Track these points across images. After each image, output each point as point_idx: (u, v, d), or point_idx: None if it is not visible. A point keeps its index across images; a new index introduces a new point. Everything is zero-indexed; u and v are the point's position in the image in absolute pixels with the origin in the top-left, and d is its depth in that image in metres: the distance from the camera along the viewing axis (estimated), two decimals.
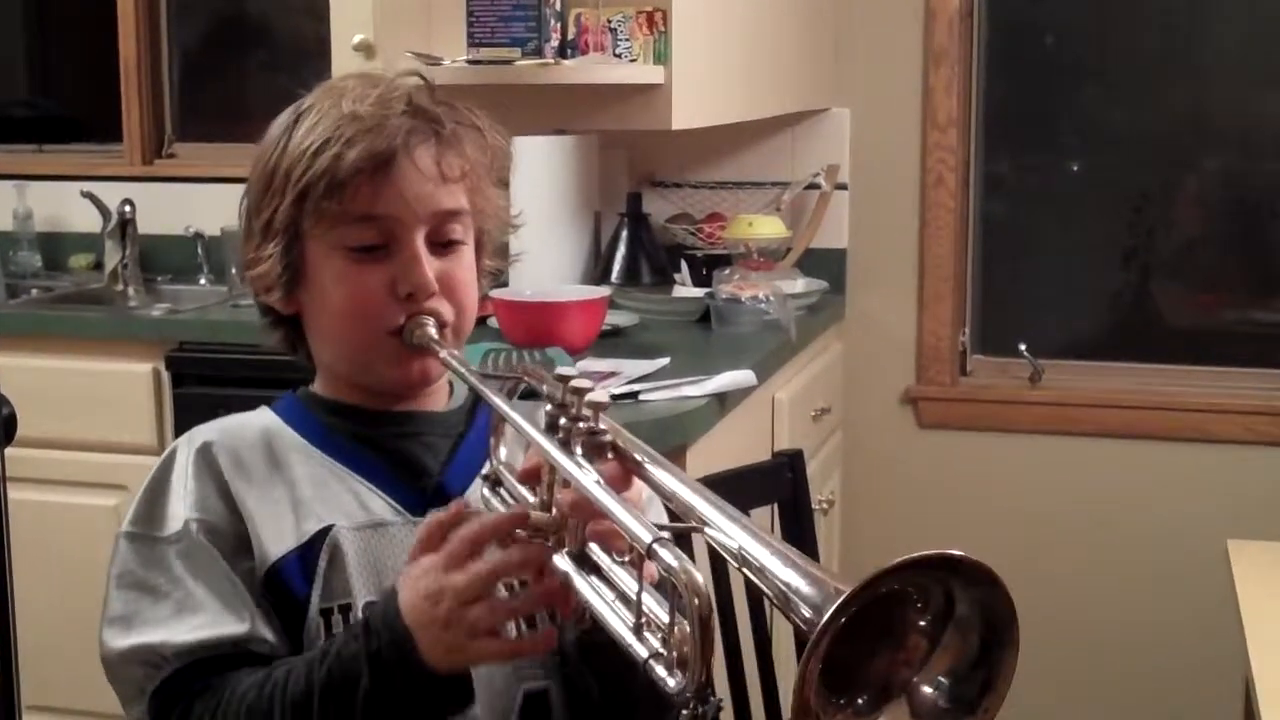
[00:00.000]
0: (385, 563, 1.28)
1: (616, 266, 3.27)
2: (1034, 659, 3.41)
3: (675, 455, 2.32)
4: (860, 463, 3.55)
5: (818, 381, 3.22)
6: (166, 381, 3.14)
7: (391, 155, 1.29)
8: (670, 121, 2.43)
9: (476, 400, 1.42)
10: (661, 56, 2.42)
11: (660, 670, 1.05)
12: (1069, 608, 3.43)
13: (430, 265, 1.32)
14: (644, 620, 1.08)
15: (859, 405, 3.54)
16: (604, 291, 2.80)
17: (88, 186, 3.77)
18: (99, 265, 3.77)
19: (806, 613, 0.95)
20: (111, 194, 3.75)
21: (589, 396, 1.16)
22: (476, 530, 1.15)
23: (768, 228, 3.19)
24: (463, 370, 1.32)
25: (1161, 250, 3.61)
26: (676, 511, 1.12)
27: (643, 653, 1.07)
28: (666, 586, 1.06)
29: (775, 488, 2.21)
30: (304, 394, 1.42)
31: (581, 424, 1.15)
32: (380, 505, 1.33)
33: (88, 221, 3.81)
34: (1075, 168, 3.60)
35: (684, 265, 3.29)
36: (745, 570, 1.02)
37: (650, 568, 1.13)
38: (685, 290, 3.23)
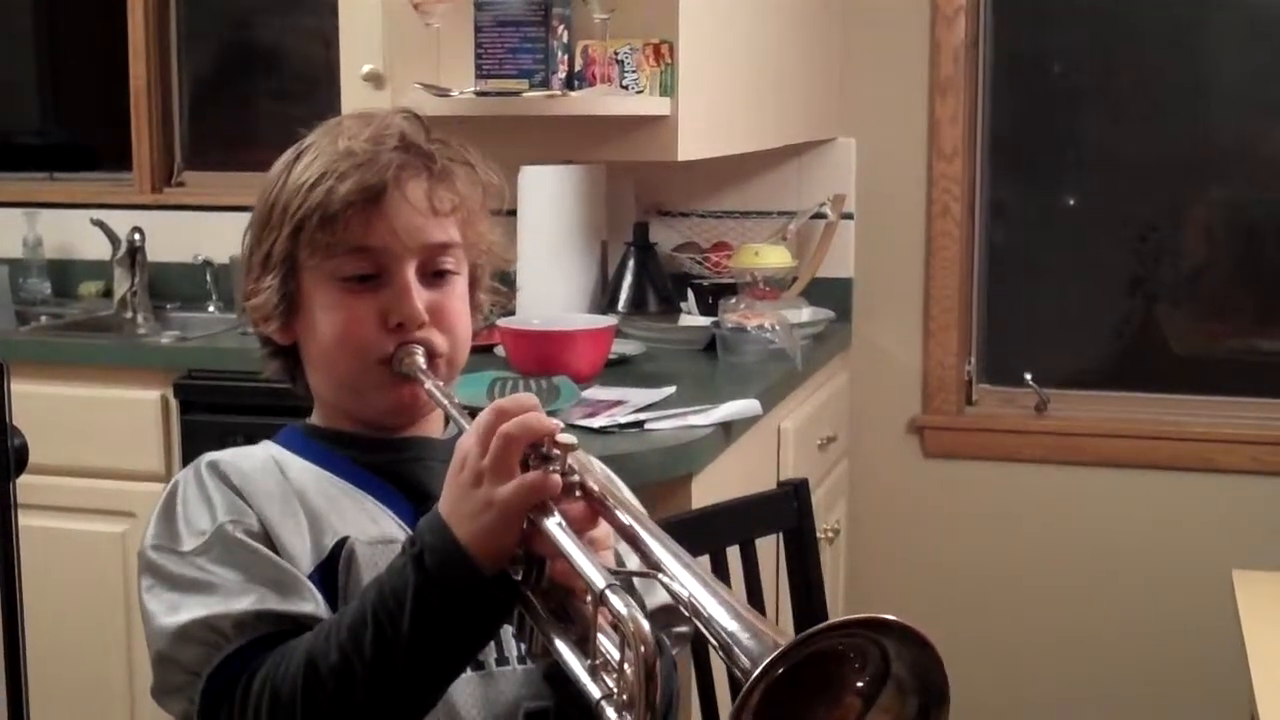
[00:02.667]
0: None
1: (623, 295, 3.28)
2: (1038, 686, 3.44)
3: (680, 484, 2.33)
4: (866, 492, 3.56)
5: (824, 410, 3.23)
6: (175, 409, 3.15)
7: (383, 189, 1.33)
8: (676, 153, 2.44)
9: None
10: (668, 88, 2.44)
11: (610, 712, 1.09)
12: (1074, 637, 3.44)
13: (421, 296, 1.35)
14: (599, 661, 1.13)
15: (865, 434, 3.55)
16: (611, 321, 2.81)
17: (98, 214, 3.80)
18: (108, 293, 3.80)
19: (745, 663, 1.00)
20: (121, 222, 3.78)
21: (559, 437, 1.19)
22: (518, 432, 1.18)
23: (774, 257, 3.20)
24: (444, 401, 1.35)
25: (1167, 279, 3.62)
26: (638, 555, 1.16)
27: (595, 693, 1.11)
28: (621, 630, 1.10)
29: (780, 517, 2.21)
30: (303, 426, 1.45)
31: (551, 464, 1.18)
32: (389, 523, 1.35)
33: (97, 249, 3.83)
34: (1081, 196, 3.61)
35: (690, 294, 3.31)
36: (695, 619, 1.07)
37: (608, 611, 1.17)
38: (691, 319, 3.24)
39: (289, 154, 1.40)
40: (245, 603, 1.25)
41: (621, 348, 2.88)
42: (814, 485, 2.30)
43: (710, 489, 2.39)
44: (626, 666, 1.08)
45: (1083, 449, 3.46)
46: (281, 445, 1.41)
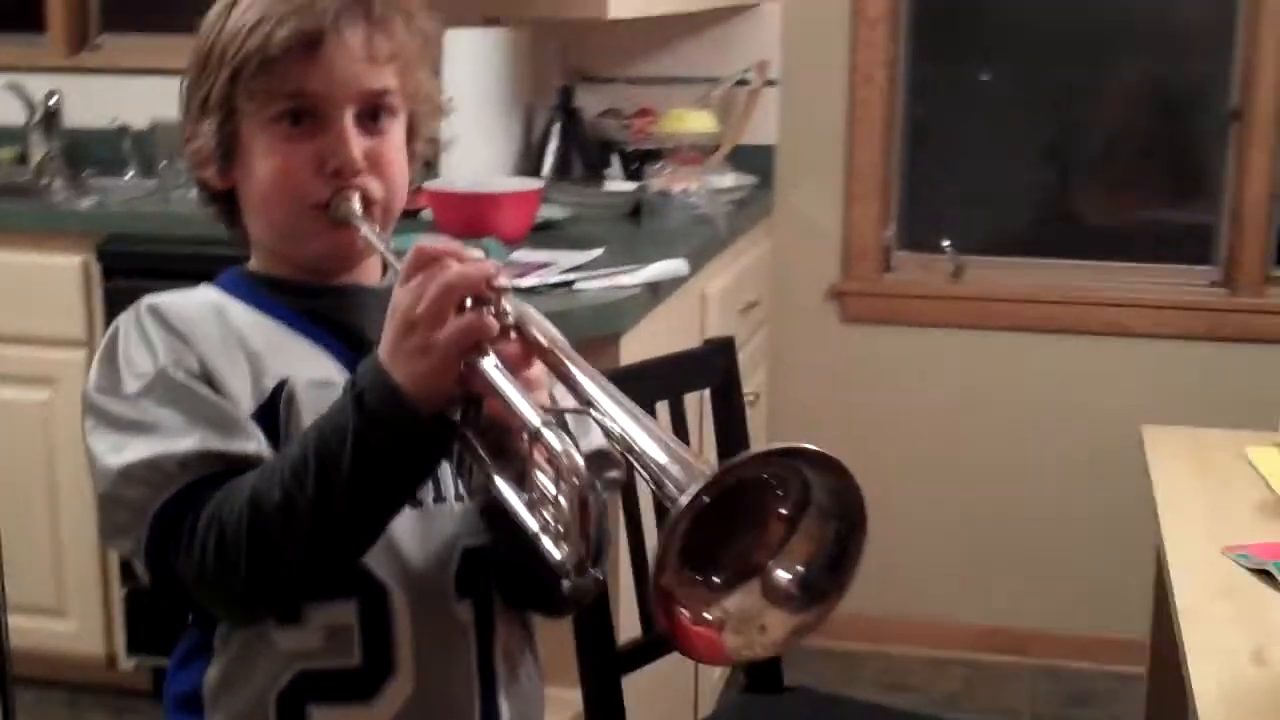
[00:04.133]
0: None
1: (548, 160, 3.29)
2: (956, 543, 3.55)
3: (609, 343, 2.37)
4: (786, 356, 3.61)
5: (746, 276, 3.27)
6: (97, 274, 3.12)
7: (320, 34, 1.33)
8: (607, 10, 2.44)
9: None
10: None
11: (547, 542, 1.15)
12: (990, 495, 3.55)
13: (358, 143, 1.36)
14: (536, 496, 1.17)
15: (785, 300, 3.60)
16: (537, 183, 2.83)
17: (11, 78, 3.72)
18: (23, 159, 3.73)
19: (673, 491, 1.06)
20: (36, 86, 3.71)
21: (496, 282, 1.22)
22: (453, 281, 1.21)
23: (699, 123, 3.22)
24: (379, 245, 1.37)
25: (1082, 150, 3.68)
26: (570, 393, 1.21)
27: (533, 525, 1.17)
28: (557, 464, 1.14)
29: (708, 374, 2.27)
30: (242, 271, 1.46)
31: (486, 306, 1.21)
32: (328, 366, 1.37)
33: (11, 114, 3.76)
34: (1000, 67, 3.65)
35: (614, 160, 3.32)
36: (626, 454, 1.12)
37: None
38: (616, 185, 3.26)
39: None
40: (189, 442, 1.27)
41: (547, 212, 2.90)
42: (738, 348, 2.34)
43: (637, 349, 2.43)
44: (561, 499, 1.12)
45: (997, 314, 3.53)
46: (221, 289, 1.42)
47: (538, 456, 1.16)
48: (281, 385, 1.34)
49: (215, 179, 1.41)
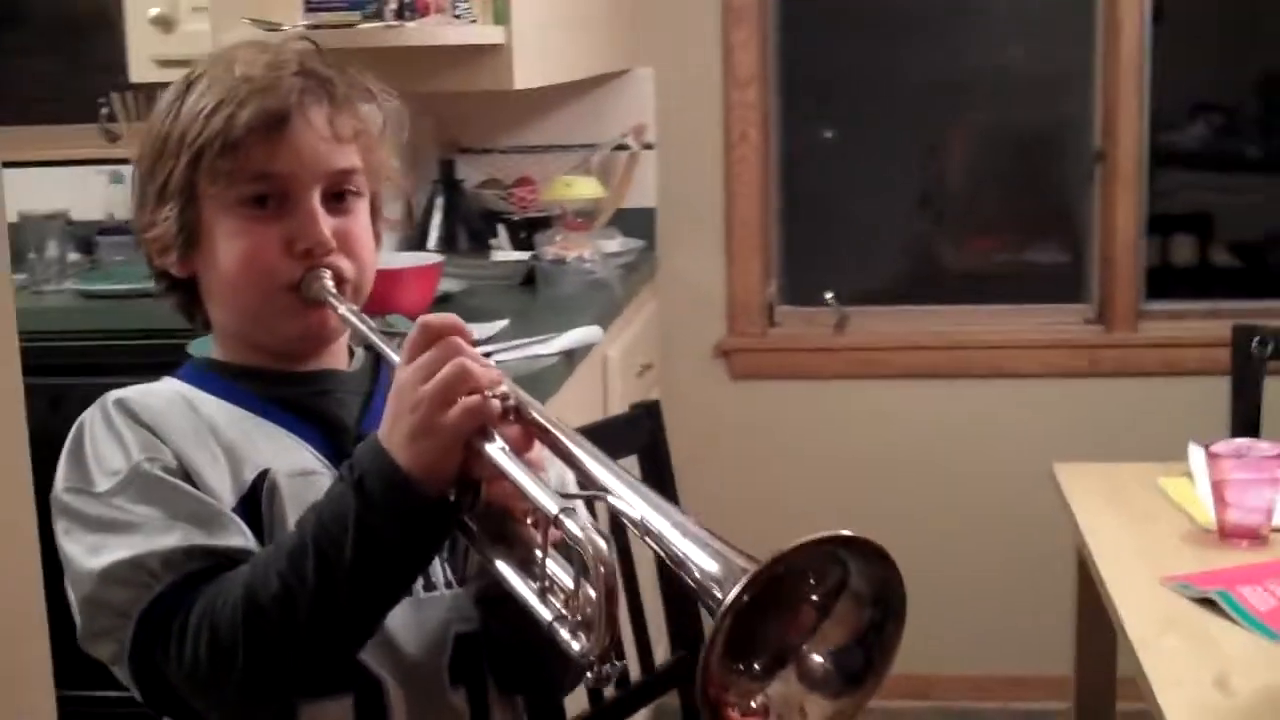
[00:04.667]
0: None
1: (433, 234, 3.26)
2: None
3: None
4: (678, 416, 3.57)
5: (639, 339, 3.27)
6: None
7: (285, 114, 1.31)
8: (513, 81, 2.44)
9: (378, 359, 1.44)
10: (501, 16, 2.43)
11: (564, 633, 1.11)
12: (887, 543, 3.56)
13: (326, 222, 1.34)
14: (548, 584, 1.13)
15: (674, 360, 3.61)
16: (438, 258, 2.80)
17: None
18: None
19: (714, 591, 1.01)
20: None
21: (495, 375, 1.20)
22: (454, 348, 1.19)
23: (586, 188, 3.23)
24: (360, 325, 1.34)
25: (954, 197, 3.78)
26: (577, 475, 1.18)
27: (547, 615, 1.13)
28: (567, 550, 1.11)
29: (635, 438, 2.26)
30: (205, 362, 1.42)
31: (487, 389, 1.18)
32: (306, 455, 1.34)
33: None
34: (869, 120, 3.72)
35: (501, 230, 3.30)
36: (647, 538, 1.07)
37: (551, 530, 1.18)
38: (504, 254, 3.24)
39: (177, 84, 1.36)
40: (171, 539, 1.22)
41: (443, 285, 2.86)
42: None
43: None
44: (585, 588, 1.08)
45: (882, 363, 3.59)
46: (185, 381, 1.38)
47: (546, 541, 1.13)
48: (263, 477, 1.30)
49: (176, 266, 1.37)
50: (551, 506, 1.10)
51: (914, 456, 3.57)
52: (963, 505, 3.55)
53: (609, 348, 2.93)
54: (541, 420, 1.21)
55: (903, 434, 3.58)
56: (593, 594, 1.07)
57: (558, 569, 1.13)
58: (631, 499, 1.11)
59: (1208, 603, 1.85)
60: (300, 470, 1.32)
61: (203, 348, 2.18)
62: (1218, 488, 2.06)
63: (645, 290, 3.46)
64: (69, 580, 1.27)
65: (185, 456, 1.28)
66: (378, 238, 1.44)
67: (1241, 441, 2.12)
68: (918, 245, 3.76)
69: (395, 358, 1.28)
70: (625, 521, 1.11)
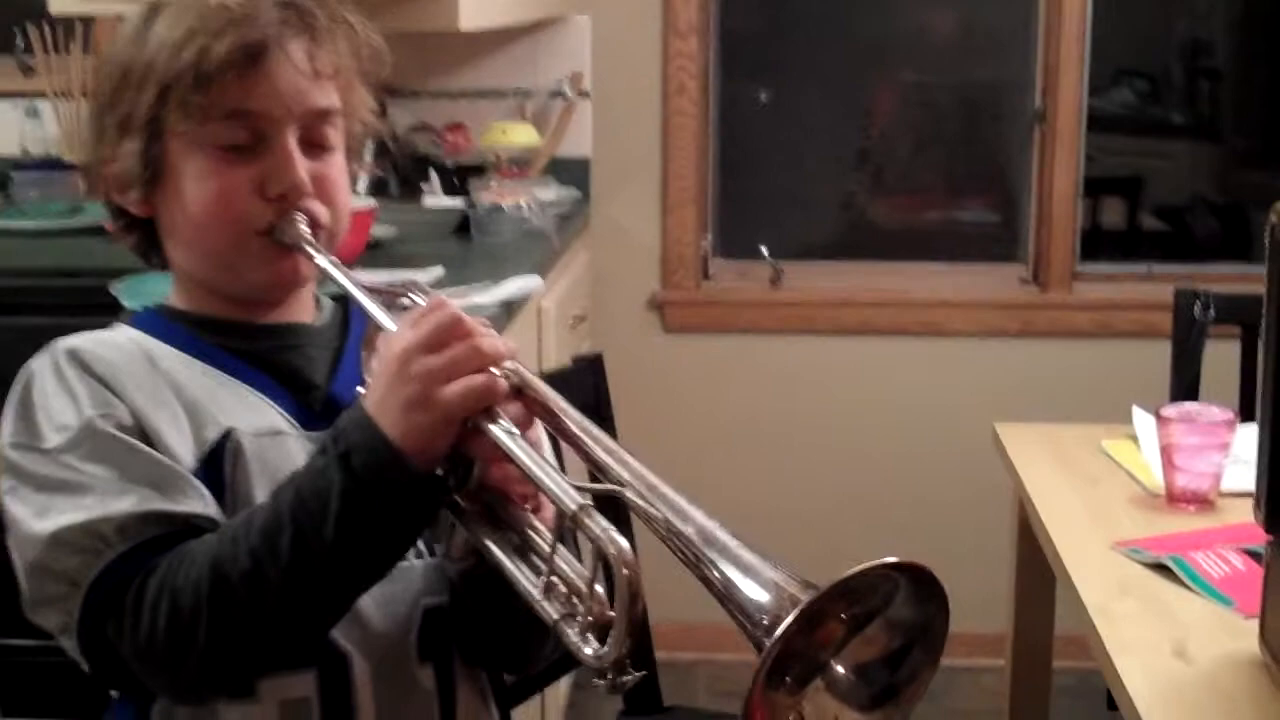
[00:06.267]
0: (284, 471, 1.20)
1: (363, 179, 3.17)
2: (794, 548, 3.46)
3: None
4: (611, 369, 3.53)
5: (573, 290, 3.21)
6: None
7: (263, 48, 1.23)
8: (458, 21, 2.36)
9: (346, 312, 1.37)
10: None
11: (572, 635, 1.04)
12: (822, 497, 3.56)
13: (302, 165, 1.26)
14: (555, 580, 1.07)
15: (607, 312, 3.55)
16: (371, 202, 2.72)
17: None
18: None
19: (761, 621, 0.94)
20: None
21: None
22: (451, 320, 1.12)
23: (523, 136, 3.16)
24: (342, 278, 1.26)
25: (892, 154, 3.74)
26: (589, 466, 1.10)
27: (552, 614, 1.07)
28: (572, 541, 1.06)
29: (578, 393, 2.20)
30: (163, 309, 1.34)
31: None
32: (273, 414, 1.26)
33: None
34: (809, 75, 3.67)
35: (433, 175, 3.22)
36: (674, 545, 1.00)
37: (548, 515, 1.13)
38: (437, 200, 3.16)
39: (141, 10, 1.27)
40: (126, 503, 1.14)
41: (375, 232, 2.78)
42: None
43: None
44: (599, 589, 1.02)
45: (816, 318, 3.55)
46: (142, 330, 1.29)
47: (557, 536, 1.07)
48: (226, 436, 1.22)
49: (136, 205, 1.29)
50: (570, 503, 1.03)
51: (848, 412, 3.55)
52: (897, 462, 3.53)
53: (545, 299, 2.87)
54: (549, 403, 1.13)
55: (836, 389, 3.55)
56: (602, 593, 1.01)
57: (566, 567, 1.07)
58: (654, 499, 1.03)
59: (1160, 568, 1.83)
60: (266, 430, 1.25)
61: (133, 291, 2.10)
62: (1166, 451, 2.05)
63: (579, 241, 3.39)
64: (13, 543, 1.18)
65: (142, 413, 1.20)
66: (353, 180, 1.37)
67: (1191, 406, 2.11)
68: (854, 202, 3.73)
69: (382, 317, 1.22)
70: (640, 519, 1.03)
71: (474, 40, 3.22)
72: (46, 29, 3.26)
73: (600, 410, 2.20)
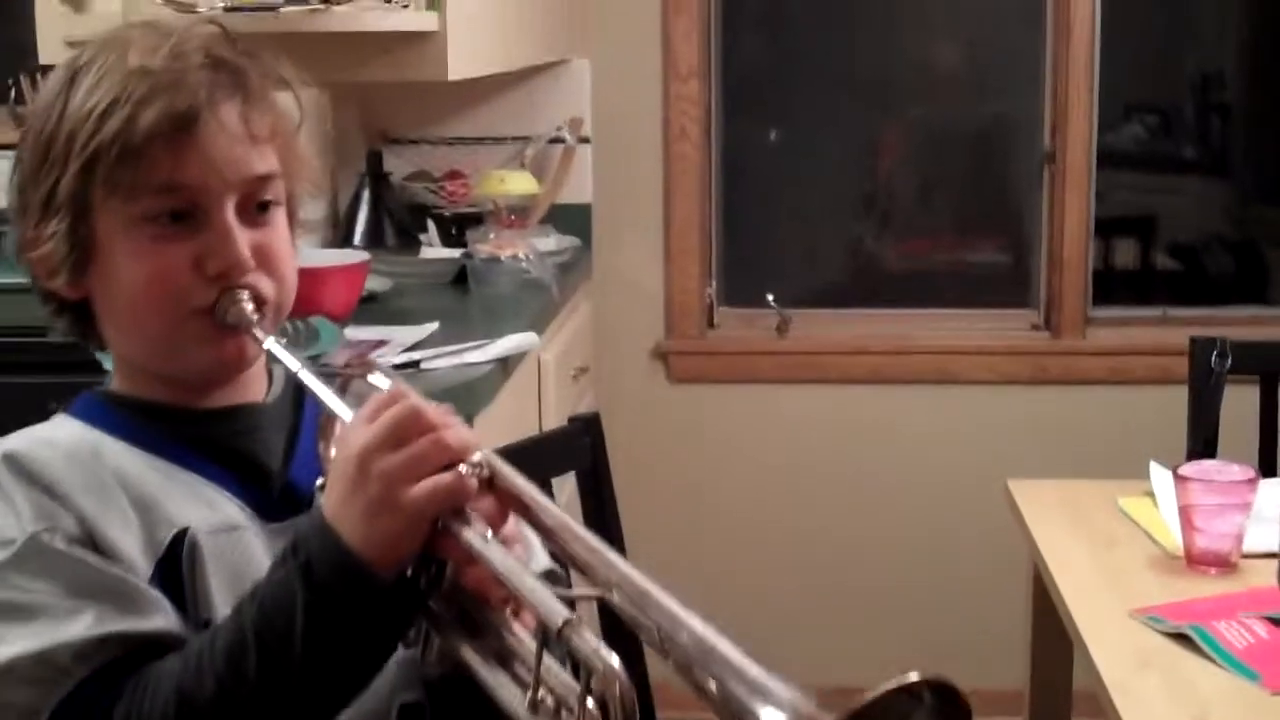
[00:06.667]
0: (244, 570, 1.13)
1: (359, 229, 3.12)
2: (798, 603, 3.43)
3: None
4: (615, 420, 3.46)
5: (574, 341, 3.15)
6: None
7: (194, 115, 1.14)
8: (446, 71, 2.30)
9: (300, 385, 1.29)
10: (435, 3, 2.29)
11: None
12: (830, 549, 3.48)
13: (243, 238, 1.17)
14: (541, 695, 0.98)
15: (610, 363, 3.48)
16: (363, 256, 2.66)
17: None
18: None
19: None
20: None
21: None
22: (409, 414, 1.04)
23: (521, 184, 3.10)
24: (294, 363, 1.18)
25: (899, 198, 3.67)
26: (570, 565, 1.02)
27: None
28: (558, 654, 0.97)
29: (574, 455, 2.13)
30: (104, 395, 1.25)
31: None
32: (229, 507, 1.18)
33: None
34: (814, 119, 3.61)
35: (431, 225, 3.16)
36: (670, 655, 0.89)
37: (528, 620, 1.05)
38: (434, 251, 3.10)
39: (60, 74, 1.18)
40: (80, 626, 1.06)
41: (370, 285, 2.72)
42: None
43: (491, 429, 2.28)
44: (590, 704, 0.92)
45: (824, 367, 3.48)
46: (83, 421, 1.21)
47: (541, 651, 0.98)
48: (181, 536, 1.13)
49: (67, 288, 1.20)
50: (556, 616, 0.94)
51: (859, 462, 3.47)
52: (908, 513, 3.45)
53: (545, 351, 2.80)
54: (523, 496, 1.04)
55: (846, 439, 3.47)
56: (594, 708, 0.91)
57: (554, 680, 0.98)
58: (647, 601, 0.93)
59: (1181, 637, 1.75)
60: (222, 525, 1.16)
61: None
62: (1185, 512, 1.97)
63: (581, 290, 3.33)
64: None
65: (90, 519, 1.11)
66: (295, 245, 1.28)
67: (1210, 464, 2.03)
68: (862, 247, 3.66)
69: (337, 405, 1.14)
70: (629, 626, 0.93)
71: (471, 86, 3.17)
72: (39, 79, 3.22)
73: (598, 472, 2.12)
